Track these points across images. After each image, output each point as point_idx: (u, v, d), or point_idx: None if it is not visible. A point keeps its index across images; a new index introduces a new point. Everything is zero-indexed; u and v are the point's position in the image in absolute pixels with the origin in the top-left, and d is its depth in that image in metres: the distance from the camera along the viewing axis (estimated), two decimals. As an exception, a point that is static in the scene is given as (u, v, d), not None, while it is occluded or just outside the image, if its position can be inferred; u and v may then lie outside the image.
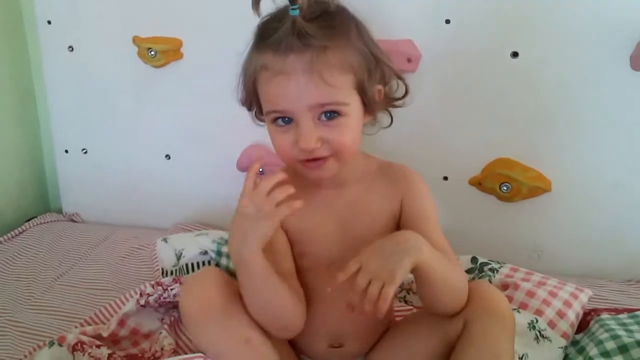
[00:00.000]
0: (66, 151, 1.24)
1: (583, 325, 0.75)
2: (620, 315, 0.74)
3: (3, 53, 1.21)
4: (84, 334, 0.72)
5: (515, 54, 0.90)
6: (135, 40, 1.10)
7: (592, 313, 0.77)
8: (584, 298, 0.77)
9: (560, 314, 0.73)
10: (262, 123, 0.69)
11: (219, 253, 0.91)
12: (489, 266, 0.84)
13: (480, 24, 0.89)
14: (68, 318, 0.83)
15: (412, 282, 0.85)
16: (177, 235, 0.99)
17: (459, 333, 0.61)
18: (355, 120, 0.61)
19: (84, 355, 0.68)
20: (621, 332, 0.68)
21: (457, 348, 0.61)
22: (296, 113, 0.58)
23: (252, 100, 0.65)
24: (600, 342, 0.68)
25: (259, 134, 1.06)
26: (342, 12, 0.62)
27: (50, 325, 0.81)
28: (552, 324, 0.73)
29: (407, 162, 0.72)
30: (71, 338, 0.70)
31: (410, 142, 1.01)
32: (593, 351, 0.67)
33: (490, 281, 0.80)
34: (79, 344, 0.69)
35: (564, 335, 0.72)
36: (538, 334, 0.71)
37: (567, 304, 0.75)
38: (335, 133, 0.59)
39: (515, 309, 0.74)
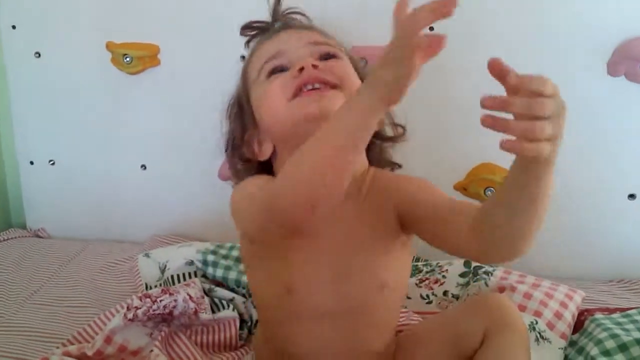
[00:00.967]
0: (31, 162, 1.18)
1: (578, 325, 0.77)
2: (614, 315, 0.77)
3: (-37, 59, 1.15)
4: (67, 354, 0.68)
5: (493, 60, 0.93)
6: (109, 46, 1.06)
7: (586, 313, 0.79)
8: (577, 299, 0.79)
9: (558, 315, 0.75)
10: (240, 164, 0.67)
11: (205, 263, 0.88)
12: (483, 269, 0.85)
13: (459, 32, 0.91)
14: (45, 338, 0.78)
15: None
16: (159, 250, 0.96)
17: (476, 347, 0.59)
18: (355, 73, 0.61)
19: (68, 377, 0.64)
20: (619, 331, 0.70)
21: None
22: (293, 50, 0.58)
23: (245, 117, 0.64)
24: (599, 342, 0.69)
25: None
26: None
27: (26, 347, 0.75)
28: (550, 325, 0.74)
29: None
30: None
31: (395, 151, 1.02)
32: (593, 350, 0.69)
33: (486, 284, 0.81)
34: (63, 366, 0.65)
35: (563, 335, 0.74)
36: (538, 335, 0.72)
37: (563, 305, 0.77)
38: (337, 64, 0.59)
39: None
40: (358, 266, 0.60)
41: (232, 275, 0.85)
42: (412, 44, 0.42)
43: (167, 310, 0.74)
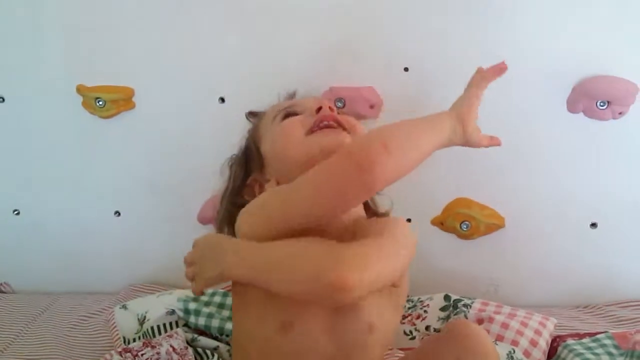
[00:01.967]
0: (-7, 213, 1.15)
1: (551, 352, 0.83)
2: (584, 340, 0.83)
3: None
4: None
5: (468, 100, 1.00)
6: (80, 89, 1.07)
7: (558, 339, 0.85)
8: (550, 326, 0.85)
9: (533, 343, 0.80)
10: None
11: (187, 311, 0.88)
12: (462, 302, 0.90)
13: (436, 72, 0.99)
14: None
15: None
16: (137, 300, 0.95)
17: None
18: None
19: None
20: (590, 355, 0.77)
21: None
22: (309, 101, 0.64)
23: (248, 162, 0.69)
24: (573, 366, 0.74)
25: (217, 184, 1.08)
26: None
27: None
28: (527, 354, 0.79)
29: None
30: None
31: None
32: (568, 375, 0.74)
33: (465, 316, 0.86)
34: None
35: (539, 363, 0.78)
36: (516, 364, 0.77)
37: (538, 332, 0.82)
38: (348, 116, 0.65)
39: (493, 341, 0.79)
40: (348, 306, 0.61)
41: (215, 323, 0.86)
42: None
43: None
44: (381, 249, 0.56)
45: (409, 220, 1.07)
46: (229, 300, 0.90)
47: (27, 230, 1.14)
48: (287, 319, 0.59)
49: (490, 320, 0.83)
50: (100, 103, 1.06)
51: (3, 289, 1.15)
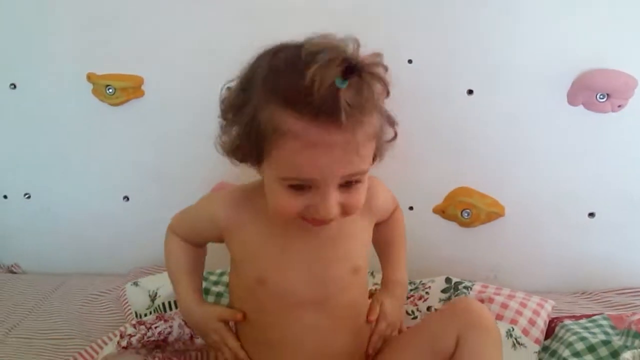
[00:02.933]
0: (5, 197, 1.19)
1: (549, 332, 0.86)
2: (581, 320, 0.87)
3: None
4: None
5: (470, 92, 1.04)
6: (91, 77, 1.11)
7: (556, 320, 0.88)
8: (548, 307, 0.89)
9: (532, 322, 0.84)
10: (233, 157, 0.65)
11: (198, 288, 0.92)
12: (463, 284, 0.94)
13: (439, 64, 1.03)
14: (32, 371, 0.80)
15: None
16: (148, 278, 0.99)
17: (452, 350, 0.65)
18: (364, 190, 0.62)
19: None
20: (587, 334, 0.80)
21: None
22: (323, 183, 0.56)
23: (252, 153, 0.60)
24: (570, 344, 0.79)
25: (224, 172, 1.13)
26: (376, 73, 0.56)
27: (13, 381, 0.77)
28: (525, 332, 0.83)
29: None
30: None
31: (374, 173, 1.11)
32: (565, 352, 0.78)
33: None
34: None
35: (537, 341, 0.82)
36: (515, 341, 0.81)
37: (536, 312, 0.86)
38: (353, 198, 0.59)
39: (493, 319, 0.83)
40: (336, 256, 0.68)
41: (224, 301, 0.90)
42: None
43: (161, 337, 0.77)
44: None
45: (410, 208, 1.12)
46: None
47: (38, 213, 1.18)
48: (260, 275, 0.67)
49: (490, 300, 0.87)
50: (110, 91, 1.10)
51: (14, 270, 1.19)
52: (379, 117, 0.60)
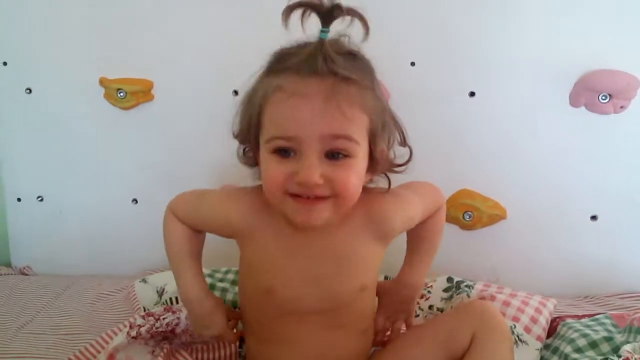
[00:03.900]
0: (19, 199, 1.22)
1: (551, 331, 0.87)
2: (583, 319, 0.87)
3: (-47, 96, 1.21)
4: (70, 372, 0.73)
5: (472, 94, 1.06)
6: (103, 81, 1.15)
7: (558, 319, 0.89)
8: (550, 306, 0.90)
9: (534, 320, 0.85)
10: (247, 164, 0.69)
11: (203, 285, 0.94)
12: (465, 283, 0.95)
13: (441, 67, 1.06)
14: (43, 363, 0.82)
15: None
16: (155, 275, 1.01)
17: (464, 347, 0.67)
18: (362, 166, 0.61)
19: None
20: (589, 331, 0.81)
21: None
22: (304, 141, 0.57)
23: (251, 131, 0.63)
24: (572, 341, 0.79)
25: (232, 175, 1.15)
26: (365, 58, 0.63)
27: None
28: (527, 329, 0.84)
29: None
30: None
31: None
32: (567, 349, 0.78)
33: (468, 296, 0.91)
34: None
35: (539, 338, 0.83)
36: (517, 338, 0.82)
37: (538, 311, 0.87)
38: (340, 172, 0.58)
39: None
40: (345, 275, 0.68)
41: (229, 296, 0.92)
42: None
43: (169, 328, 0.79)
44: None
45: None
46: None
47: (50, 215, 1.21)
48: (270, 285, 0.67)
49: (492, 298, 0.88)
50: (121, 94, 1.13)
51: (26, 272, 1.22)
52: (374, 98, 0.61)
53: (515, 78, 1.05)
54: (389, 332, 0.80)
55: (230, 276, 0.97)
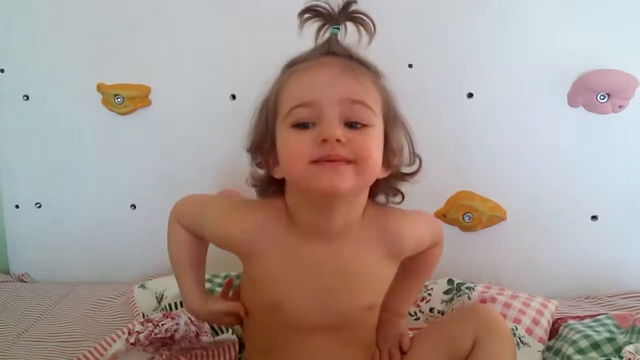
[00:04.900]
0: (17, 206, 1.22)
1: (553, 332, 0.86)
2: (585, 320, 0.87)
3: (-50, 103, 1.20)
4: (71, 379, 0.72)
5: (470, 95, 1.06)
6: (101, 87, 1.14)
7: (560, 321, 0.88)
8: (552, 307, 0.89)
9: (535, 322, 0.84)
10: (259, 184, 0.68)
11: (202, 291, 0.94)
12: (465, 285, 0.95)
13: (439, 68, 1.06)
14: (42, 371, 0.82)
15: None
16: (155, 280, 1.01)
17: (466, 351, 0.66)
18: (380, 139, 0.60)
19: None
20: (591, 332, 0.80)
21: None
22: (324, 105, 0.57)
23: (268, 128, 0.62)
24: (574, 342, 0.79)
25: (230, 180, 1.15)
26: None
27: (24, 379, 0.79)
28: (529, 331, 0.83)
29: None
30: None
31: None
32: (569, 350, 0.78)
33: (469, 298, 0.90)
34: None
35: (541, 340, 0.83)
36: (519, 340, 0.81)
37: (539, 312, 0.86)
38: (360, 136, 0.58)
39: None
40: (353, 291, 0.66)
41: (228, 301, 0.91)
42: None
43: (168, 334, 0.79)
44: None
45: (413, 212, 1.13)
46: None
47: (48, 222, 1.21)
48: (276, 300, 0.66)
49: (493, 300, 0.88)
50: (119, 100, 1.13)
51: (24, 279, 1.21)
52: (386, 87, 0.64)
53: (513, 78, 1.05)
54: None
55: (229, 281, 0.96)
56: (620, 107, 1.04)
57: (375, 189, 0.66)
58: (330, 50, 0.60)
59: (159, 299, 0.94)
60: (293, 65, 0.62)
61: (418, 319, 0.92)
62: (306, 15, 0.62)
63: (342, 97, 0.57)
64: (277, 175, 0.64)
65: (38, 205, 1.22)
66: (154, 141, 1.17)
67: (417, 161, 0.68)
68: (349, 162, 0.57)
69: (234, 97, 1.12)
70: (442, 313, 0.92)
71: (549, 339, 0.85)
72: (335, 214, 0.62)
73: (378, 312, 0.73)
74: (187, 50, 1.12)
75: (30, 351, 0.88)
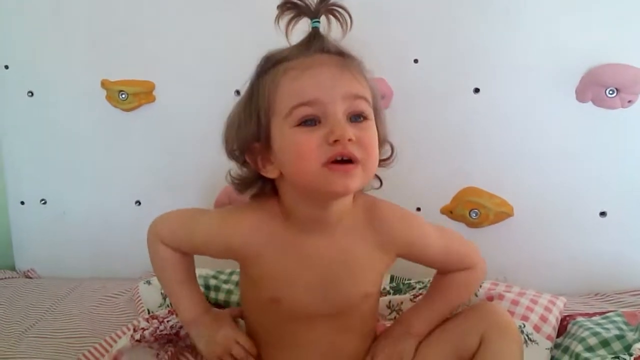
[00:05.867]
0: (22, 202, 1.22)
1: (561, 330, 0.85)
2: (594, 318, 0.86)
3: (-45, 99, 1.20)
4: (75, 376, 0.72)
5: (477, 90, 1.05)
6: (105, 83, 1.14)
7: (568, 318, 0.87)
8: (560, 304, 0.88)
9: (543, 319, 0.84)
10: (243, 186, 0.68)
11: (207, 287, 0.94)
12: (473, 282, 0.94)
13: (445, 63, 1.05)
14: (48, 367, 0.82)
15: (402, 302, 0.93)
16: (160, 276, 1.01)
17: (473, 349, 0.67)
18: (376, 133, 0.62)
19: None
20: (600, 330, 0.79)
21: None
22: (329, 103, 0.57)
23: (261, 124, 0.61)
24: (583, 339, 0.78)
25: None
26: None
27: (30, 376, 0.79)
28: (537, 328, 0.82)
29: (381, 196, 0.74)
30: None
31: (383, 176, 1.12)
32: (578, 348, 0.77)
33: (476, 294, 0.89)
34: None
35: (549, 337, 0.82)
36: (526, 337, 0.80)
37: (547, 309, 0.85)
38: (365, 134, 0.59)
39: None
40: (348, 281, 0.68)
41: (234, 298, 0.91)
42: None
43: (174, 331, 0.79)
44: None
45: (418, 209, 1.12)
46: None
47: (54, 218, 1.21)
48: (275, 295, 0.67)
49: (500, 297, 0.87)
50: (123, 96, 1.13)
51: (30, 275, 1.22)
52: (371, 85, 0.64)
53: (520, 73, 1.04)
54: None
55: (235, 277, 0.96)
56: (629, 102, 1.02)
57: None
58: (323, 48, 0.60)
59: (165, 295, 0.94)
60: (278, 62, 0.62)
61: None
62: (285, 9, 0.62)
63: (345, 94, 0.58)
64: (270, 174, 0.64)
65: (43, 201, 1.22)
66: (159, 137, 1.16)
67: (390, 147, 0.70)
68: (356, 162, 0.58)
69: (238, 93, 1.12)
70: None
71: (557, 337, 0.84)
72: (333, 207, 0.64)
73: (376, 301, 0.74)
74: (192, 46, 1.12)
75: (36, 348, 0.88)
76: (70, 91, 1.17)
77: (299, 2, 0.61)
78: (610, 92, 1.01)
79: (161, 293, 0.94)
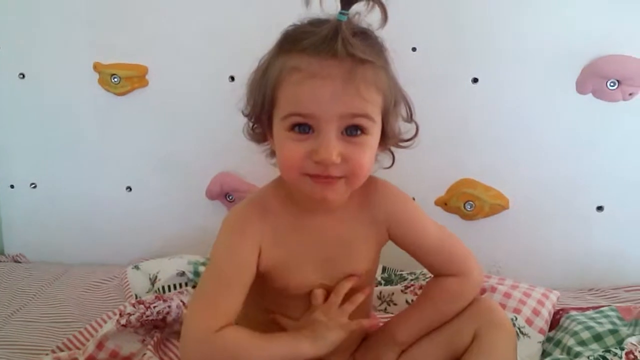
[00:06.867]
0: (12, 186, 1.21)
1: (554, 324, 0.85)
2: (588, 312, 0.85)
3: (-55, 81, 1.19)
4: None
5: (475, 80, 1.04)
6: (97, 66, 1.13)
7: (561, 312, 0.86)
8: (553, 298, 0.88)
9: (536, 312, 0.83)
10: (255, 141, 0.67)
11: (196, 274, 0.93)
12: (465, 274, 0.93)
13: (443, 52, 1.03)
14: (31, 351, 0.81)
15: (393, 293, 0.92)
16: (149, 262, 1.00)
17: (466, 345, 0.66)
18: (375, 144, 0.61)
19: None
20: (593, 324, 0.79)
21: (466, 358, 0.66)
22: (323, 120, 0.57)
23: (264, 108, 0.61)
24: (575, 333, 0.77)
25: (227, 161, 1.14)
26: (377, 36, 0.62)
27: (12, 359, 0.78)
28: (529, 322, 0.81)
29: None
30: (46, 365, 0.69)
31: (375, 168, 1.11)
32: (570, 341, 0.76)
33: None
34: (54, 372, 0.68)
35: (541, 331, 0.81)
36: (518, 330, 0.79)
37: (540, 303, 0.84)
38: (356, 151, 0.58)
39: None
40: (348, 256, 0.68)
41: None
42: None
43: (160, 317, 0.78)
44: None
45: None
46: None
47: (44, 202, 1.20)
48: (269, 307, 0.68)
49: (493, 289, 0.86)
50: (116, 80, 1.11)
51: (19, 260, 1.21)
52: (387, 76, 0.61)
53: (520, 64, 1.03)
54: None
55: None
56: (630, 94, 1.01)
57: None
58: (336, 53, 0.56)
59: (153, 281, 0.93)
60: (292, 48, 0.59)
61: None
62: None
63: (342, 114, 0.57)
64: (273, 148, 0.65)
65: (33, 185, 1.21)
66: (151, 122, 1.15)
67: (415, 128, 0.68)
68: (341, 177, 0.59)
69: (232, 78, 1.10)
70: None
71: (550, 330, 0.83)
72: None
73: (373, 279, 0.75)
74: (185, 30, 1.10)
75: (21, 331, 0.88)
76: (62, 74, 1.16)
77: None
78: (612, 84, 1.00)
79: (149, 279, 0.93)
